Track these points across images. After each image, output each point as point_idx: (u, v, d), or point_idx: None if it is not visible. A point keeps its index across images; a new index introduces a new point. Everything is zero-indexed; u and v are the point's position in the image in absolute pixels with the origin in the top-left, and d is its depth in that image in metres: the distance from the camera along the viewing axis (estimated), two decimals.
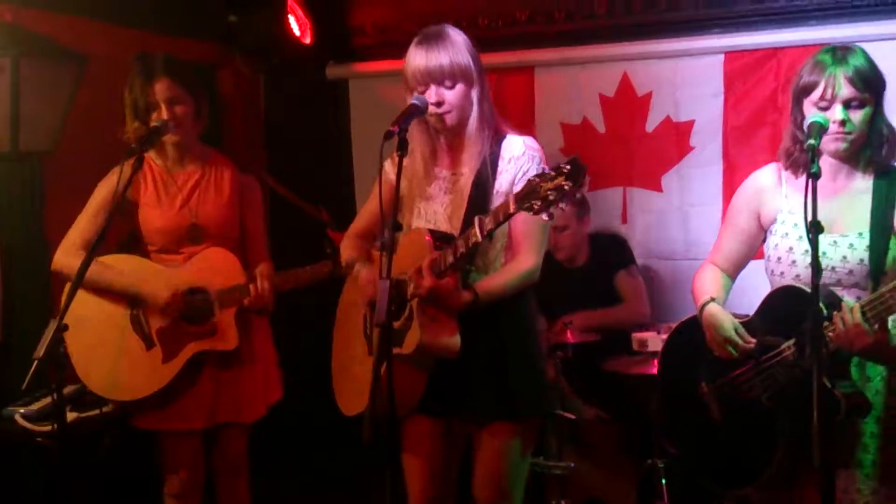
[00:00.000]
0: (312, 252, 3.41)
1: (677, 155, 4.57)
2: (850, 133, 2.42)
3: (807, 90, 2.44)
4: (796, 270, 2.52)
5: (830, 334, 2.29)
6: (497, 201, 2.67)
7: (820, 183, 2.33)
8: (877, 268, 2.42)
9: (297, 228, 4.02)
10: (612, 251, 4.34)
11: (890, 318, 2.31)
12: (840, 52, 2.45)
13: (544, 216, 2.30)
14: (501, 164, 2.76)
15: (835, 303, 2.35)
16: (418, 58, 2.70)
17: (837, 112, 2.40)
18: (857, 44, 2.55)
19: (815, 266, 2.16)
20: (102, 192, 3.28)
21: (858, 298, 2.40)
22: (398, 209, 2.56)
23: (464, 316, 2.66)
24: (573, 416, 3.83)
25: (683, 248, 4.54)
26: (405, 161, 2.55)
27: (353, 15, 5.14)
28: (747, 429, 2.53)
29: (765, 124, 4.35)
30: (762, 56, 4.38)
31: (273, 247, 3.66)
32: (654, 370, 3.53)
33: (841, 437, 2.42)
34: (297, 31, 4.87)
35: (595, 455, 3.93)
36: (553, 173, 2.32)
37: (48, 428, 3.52)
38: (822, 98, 2.41)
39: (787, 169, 2.58)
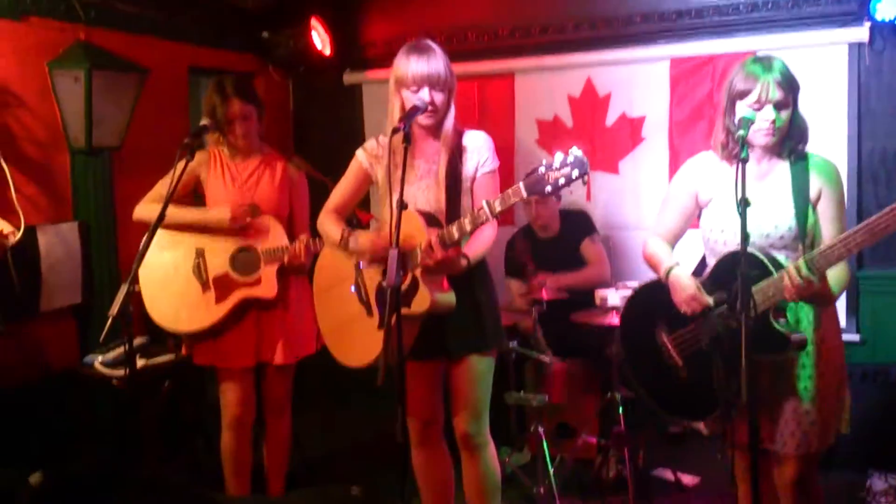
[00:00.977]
0: None
1: (632, 144, 4.55)
2: (779, 129, 2.41)
3: (742, 95, 2.41)
4: (726, 237, 2.50)
5: (784, 284, 2.28)
6: (465, 184, 2.74)
7: (750, 167, 2.32)
8: (803, 233, 2.42)
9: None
10: (578, 223, 4.31)
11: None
12: (766, 61, 2.43)
13: (554, 198, 2.30)
14: (466, 154, 2.77)
15: (774, 261, 2.35)
16: (419, 63, 2.67)
17: (769, 112, 2.38)
18: (776, 51, 2.52)
19: (745, 235, 2.16)
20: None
21: (787, 258, 2.41)
22: (388, 193, 2.61)
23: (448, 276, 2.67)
24: (547, 360, 3.84)
25: (636, 220, 4.53)
26: (382, 151, 2.61)
27: (365, 31, 5.15)
28: (700, 371, 2.51)
29: (703, 118, 4.35)
30: (700, 62, 4.38)
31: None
32: (614, 321, 3.53)
33: (788, 369, 2.44)
34: (319, 45, 4.90)
35: (565, 389, 3.94)
36: (559, 164, 2.33)
37: (121, 373, 3.55)
38: (756, 101, 2.39)
39: (723, 159, 2.55)
